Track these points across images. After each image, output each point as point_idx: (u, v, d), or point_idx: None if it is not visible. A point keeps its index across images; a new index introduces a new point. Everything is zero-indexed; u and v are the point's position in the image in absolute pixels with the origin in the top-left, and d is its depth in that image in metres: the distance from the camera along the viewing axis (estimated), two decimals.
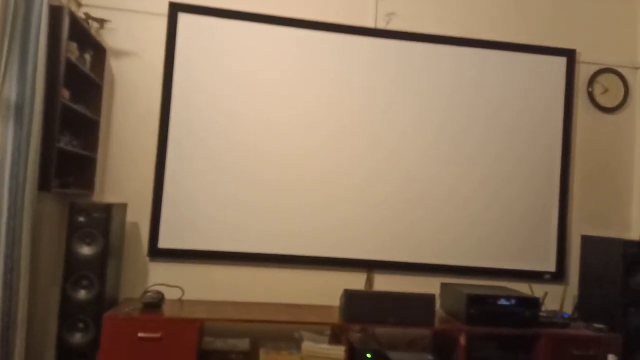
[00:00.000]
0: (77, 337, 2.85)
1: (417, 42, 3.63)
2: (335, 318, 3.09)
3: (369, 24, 3.62)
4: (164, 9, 3.40)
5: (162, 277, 3.37)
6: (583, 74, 3.85)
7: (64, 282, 2.87)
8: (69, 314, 2.85)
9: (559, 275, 3.69)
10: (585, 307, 3.53)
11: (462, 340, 3.03)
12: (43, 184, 2.64)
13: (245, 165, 3.44)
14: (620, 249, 3.28)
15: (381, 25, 3.63)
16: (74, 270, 2.87)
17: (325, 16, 3.57)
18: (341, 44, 3.56)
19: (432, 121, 3.63)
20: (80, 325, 2.86)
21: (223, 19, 3.45)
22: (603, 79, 3.86)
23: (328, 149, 3.52)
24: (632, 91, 3.89)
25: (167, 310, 2.99)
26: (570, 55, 3.79)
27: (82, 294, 2.87)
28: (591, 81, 3.84)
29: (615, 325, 3.22)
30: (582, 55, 3.85)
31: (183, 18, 3.41)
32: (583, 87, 3.85)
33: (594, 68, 3.85)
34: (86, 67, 3.09)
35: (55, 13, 2.67)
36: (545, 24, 3.83)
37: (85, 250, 2.89)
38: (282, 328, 3.36)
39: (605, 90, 3.86)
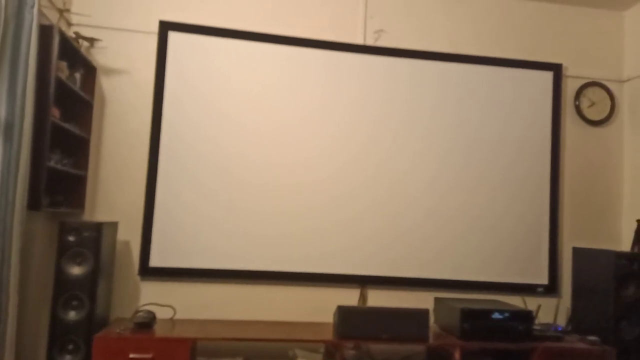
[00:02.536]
0: (67, 359, 2.80)
1: (405, 58, 3.67)
2: (329, 335, 3.06)
3: (358, 40, 3.66)
4: (155, 28, 3.42)
5: (154, 297, 3.33)
6: (570, 87, 3.91)
7: (53, 303, 2.83)
8: (59, 334, 2.81)
9: (551, 288, 3.70)
10: (579, 320, 3.54)
11: (457, 355, 3.02)
12: (33, 203, 2.62)
13: (237, 183, 3.43)
14: (612, 260, 3.29)
15: (370, 42, 3.67)
16: (64, 290, 2.84)
17: (315, 33, 3.61)
18: (331, 61, 3.59)
19: (420, 135, 3.66)
20: (71, 346, 2.81)
21: (213, 37, 3.47)
22: (590, 92, 3.91)
23: (318, 164, 3.53)
24: (619, 104, 3.95)
25: (159, 330, 2.96)
26: (556, 69, 3.84)
27: (72, 314, 2.83)
28: (578, 95, 3.89)
29: (609, 337, 3.23)
30: (569, 69, 3.91)
31: (173, 36, 3.42)
32: (570, 100, 3.90)
33: (581, 82, 3.91)
34: (76, 86, 3.09)
35: (45, 32, 2.68)
36: (531, 39, 3.89)
37: (76, 270, 2.86)
38: (276, 346, 3.32)
39: (592, 104, 3.91)
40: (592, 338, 3.20)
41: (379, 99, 3.63)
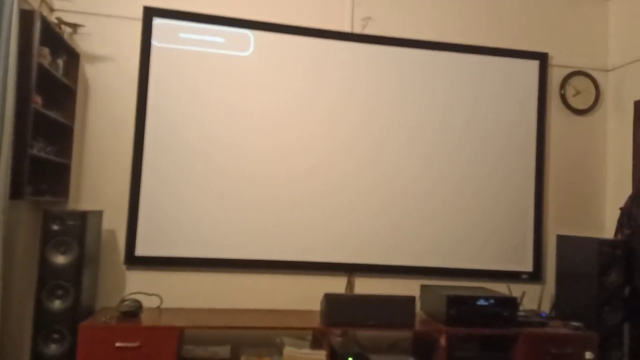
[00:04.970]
0: (53, 348, 2.79)
1: (392, 46, 3.66)
2: (316, 322, 3.08)
3: (346, 28, 3.64)
4: (139, 14, 3.37)
5: (140, 286, 3.31)
6: (555, 76, 3.93)
7: (38, 292, 2.80)
8: (43, 324, 2.78)
9: (536, 275, 3.75)
10: (563, 306, 3.58)
11: (443, 341, 3.05)
12: (15, 192, 2.58)
13: (222, 171, 3.41)
14: (595, 248, 3.33)
15: (357, 29, 3.65)
16: (48, 279, 2.81)
17: (302, 21, 3.58)
18: (317, 48, 3.57)
19: (407, 124, 3.66)
20: (56, 335, 2.79)
21: (197, 23, 3.43)
22: (575, 81, 3.93)
23: (305, 152, 3.52)
24: (603, 93, 3.98)
25: (146, 319, 2.95)
26: (542, 58, 3.86)
27: (57, 303, 2.81)
28: (563, 84, 3.92)
29: (592, 323, 3.27)
30: (555, 59, 3.93)
31: (158, 22, 3.38)
32: (555, 89, 3.92)
33: (566, 71, 3.93)
34: (59, 73, 3.04)
35: (27, 17, 2.62)
36: (518, 28, 3.90)
37: (60, 259, 2.84)
38: (263, 334, 3.33)
39: (577, 93, 3.94)
40: (576, 324, 3.25)
41: (366, 87, 3.62)
